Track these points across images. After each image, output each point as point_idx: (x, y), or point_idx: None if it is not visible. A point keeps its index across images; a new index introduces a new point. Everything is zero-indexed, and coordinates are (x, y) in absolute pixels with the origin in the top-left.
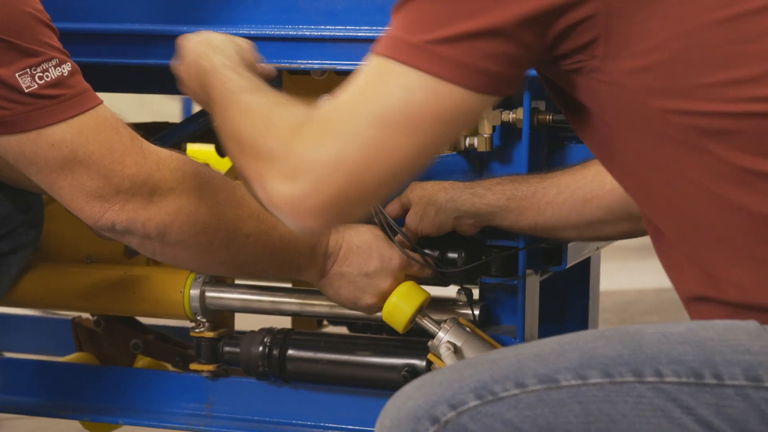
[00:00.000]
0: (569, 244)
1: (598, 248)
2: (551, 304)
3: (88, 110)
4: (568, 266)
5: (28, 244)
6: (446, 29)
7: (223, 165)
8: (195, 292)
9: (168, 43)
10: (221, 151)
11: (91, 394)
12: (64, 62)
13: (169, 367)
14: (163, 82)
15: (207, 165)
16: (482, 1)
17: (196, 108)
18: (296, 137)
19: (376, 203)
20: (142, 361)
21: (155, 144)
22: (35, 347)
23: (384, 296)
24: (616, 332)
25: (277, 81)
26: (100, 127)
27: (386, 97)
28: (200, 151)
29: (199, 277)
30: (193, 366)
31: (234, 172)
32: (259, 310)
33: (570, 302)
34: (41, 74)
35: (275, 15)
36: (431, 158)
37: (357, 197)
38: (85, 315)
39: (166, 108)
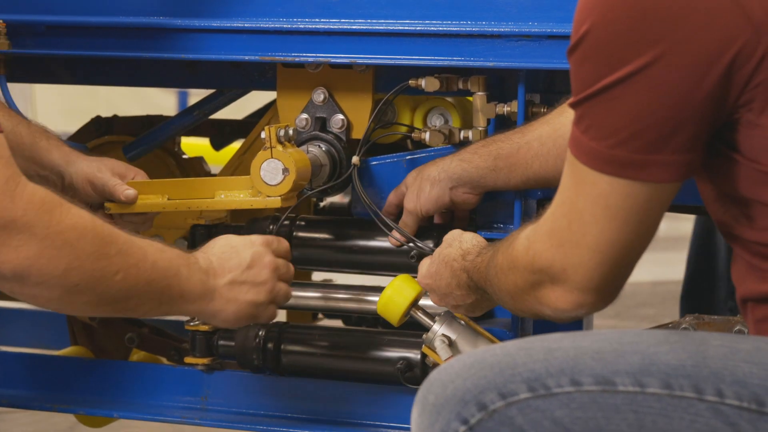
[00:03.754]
0: None
1: None
2: None
3: None
4: None
5: None
6: (627, 136)
7: (217, 158)
8: None
9: (163, 36)
10: (216, 144)
11: (86, 388)
12: None
13: (164, 360)
14: (158, 75)
15: (72, 203)
16: (660, 102)
17: (192, 101)
18: (536, 258)
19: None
20: (137, 355)
21: (152, 136)
22: (30, 341)
23: (274, 275)
24: (680, 338)
25: (272, 74)
26: None
27: (589, 202)
28: (195, 145)
29: None
30: (188, 359)
31: (231, 168)
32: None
33: None
34: None
35: (270, 8)
36: (654, 231)
37: (612, 281)
38: None
39: (161, 101)
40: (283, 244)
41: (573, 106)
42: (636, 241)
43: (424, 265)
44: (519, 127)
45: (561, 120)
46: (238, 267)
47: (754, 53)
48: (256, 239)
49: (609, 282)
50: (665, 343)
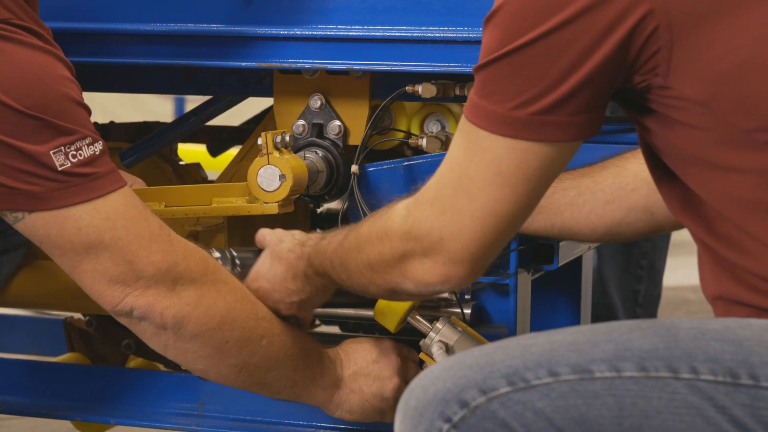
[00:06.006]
0: (561, 243)
1: (589, 248)
2: (543, 303)
3: (115, 190)
4: (559, 265)
5: (20, 245)
6: (528, 98)
7: (214, 164)
8: None
9: (159, 42)
10: (213, 151)
11: (83, 394)
12: (97, 141)
13: (161, 366)
14: (155, 81)
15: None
16: (560, 67)
17: (189, 107)
18: (414, 226)
19: (498, 251)
20: (134, 361)
21: (148, 143)
22: (27, 347)
23: (401, 374)
24: (651, 325)
25: (268, 81)
26: (129, 213)
27: (481, 168)
28: (192, 151)
29: None
30: None
31: (228, 175)
32: None
33: (561, 301)
34: (75, 152)
35: (266, 14)
36: (537, 203)
37: (486, 254)
38: (77, 315)
39: (158, 107)
40: (414, 360)
41: (477, 70)
42: (520, 210)
43: (251, 272)
44: None
45: (603, 174)
46: (363, 360)
47: (649, 24)
48: (388, 342)
49: (483, 254)
50: (637, 329)
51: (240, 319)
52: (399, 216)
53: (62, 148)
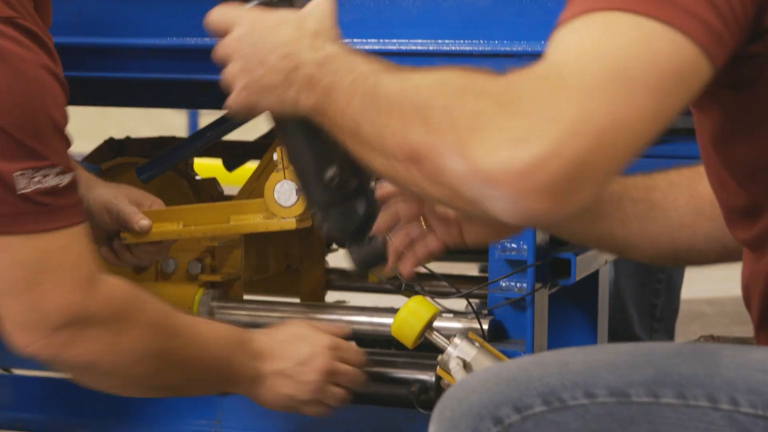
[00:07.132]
0: (578, 258)
1: (606, 262)
2: (559, 317)
3: (61, 228)
4: (576, 280)
5: None
6: None
7: (230, 179)
8: (203, 308)
9: (172, 56)
10: (228, 166)
11: (101, 412)
12: (67, 172)
13: None
14: (170, 95)
15: (147, 295)
16: None
17: (202, 121)
18: (519, 94)
19: (614, 177)
20: None
21: (164, 158)
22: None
23: (324, 376)
24: (693, 349)
25: None
26: (63, 257)
27: (626, 49)
28: (208, 165)
29: (207, 293)
30: None
31: (246, 192)
32: (267, 326)
33: (578, 316)
34: (40, 179)
35: None
36: (667, 124)
37: (603, 165)
38: None
39: (172, 121)
40: (355, 353)
41: None
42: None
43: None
44: (623, 178)
45: (674, 193)
46: (289, 359)
47: None
48: (324, 340)
49: (580, 169)
50: (678, 354)
51: (156, 357)
52: (496, 82)
53: (28, 171)
